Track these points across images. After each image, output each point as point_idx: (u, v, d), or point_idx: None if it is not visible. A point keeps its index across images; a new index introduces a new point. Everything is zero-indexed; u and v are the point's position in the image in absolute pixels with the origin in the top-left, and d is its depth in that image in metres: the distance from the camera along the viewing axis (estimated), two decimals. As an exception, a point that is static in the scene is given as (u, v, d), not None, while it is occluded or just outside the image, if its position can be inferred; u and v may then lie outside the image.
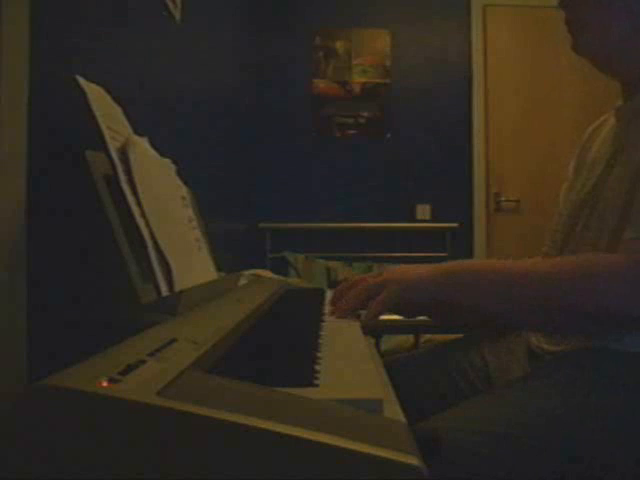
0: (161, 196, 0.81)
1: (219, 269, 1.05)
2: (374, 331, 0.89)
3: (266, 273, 1.74)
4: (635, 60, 0.84)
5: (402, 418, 0.44)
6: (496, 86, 3.57)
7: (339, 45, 3.55)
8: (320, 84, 3.54)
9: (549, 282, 0.74)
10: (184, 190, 0.97)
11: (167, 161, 0.93)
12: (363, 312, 0.81)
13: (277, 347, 0.60)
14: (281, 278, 1.70)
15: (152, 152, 0.88)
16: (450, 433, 0.62)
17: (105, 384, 0.34)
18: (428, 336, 1.69)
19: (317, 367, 0.50)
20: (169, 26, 1.41)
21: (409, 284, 0.79)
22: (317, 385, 0.44)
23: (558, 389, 0.71)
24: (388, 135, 3.54)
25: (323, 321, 0.77)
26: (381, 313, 0.79)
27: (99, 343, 0.45)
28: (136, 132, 0.84)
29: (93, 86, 0.75)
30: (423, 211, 3.51)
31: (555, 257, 0.94)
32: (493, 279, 0.77)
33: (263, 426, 0.32)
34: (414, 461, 0.32)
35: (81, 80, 0.73)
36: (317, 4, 3.58)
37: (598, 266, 0.73)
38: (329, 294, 1.06)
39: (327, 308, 0.88)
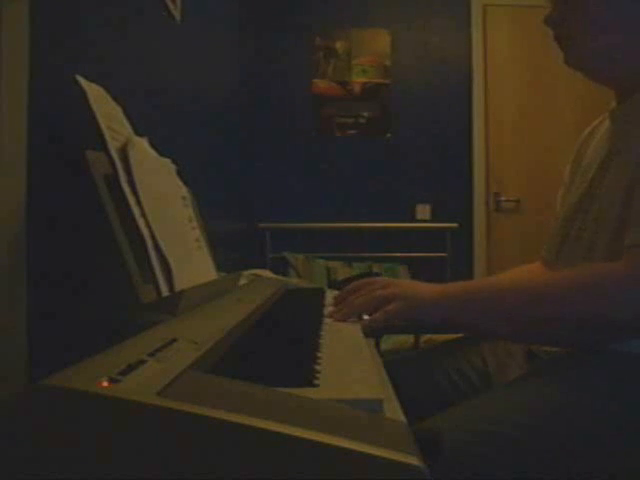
0: (161, 196, 0.81)
1: (219, 269, 1.05)
2: (374, 331, 0.89)
3: (266, 273, 1.74)
4: (626, 68, 0.84)
5: (402, 418, 0.44)
6: (496, 86, 3.56)
7: (339, 45, 3.55)
8: (320, 84, 3.54)
9: (550, 297, 0.75)
10: (184, 190, 0.97)
11: (167, 161, 0.93)
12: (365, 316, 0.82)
13: (277, 347, 0.60)
14: (281, 278, 1.70)
15: (152, 152, 0.88)
16: (450, 433, 0.62)
17: (105, 384, 0.34)
18: (428, 336, 1.69)
19: (317, 367, 0.50)
20: (169, 26, 1.41)
21: (416, 304, 0.79)
22: (317, 385, 0.44)
23: (558, 390, 0.71)
24: (388, 135, 3.54)
25: (323, 321, 0.77)
26: (383, 323, 0.79)
27: (99, 343, 0.45)
28: (136, 132, 0.84)
29: (93, 86, 0.75)
30: (423, 211, 3.51)
31: (551, 264, 0.95)
32: (495, 299, 0.78)
33: (263, 426, 0.32)
34: (414, 461, 0.32)
35: (81, 80, 0.73)
36: (317, 4, 3.58)
37: (598, 276, 0.73)
38: (329, 294, 1.06)
39: (328, 309, 0.88)
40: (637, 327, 0.72)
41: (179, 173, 0.97)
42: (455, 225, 3.45)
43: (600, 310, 0.71)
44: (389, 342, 1.89)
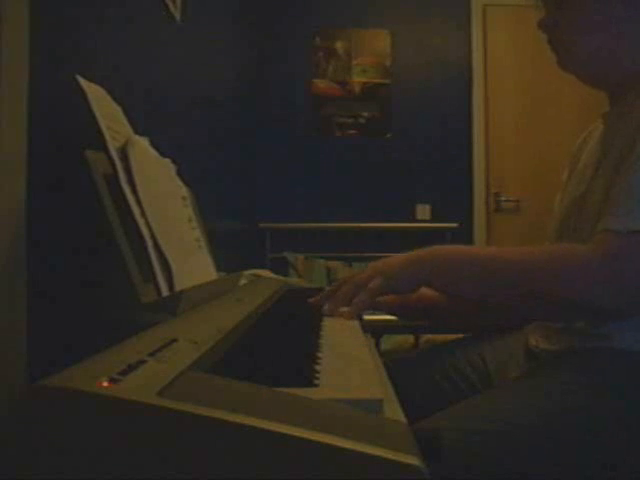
0: (161, 196, 0.81)
1: (219, 269, 1.05)
2: (374, 331, 0.89)
3: (266, 273, 1.74)
4: (617, 71, 0.85)
5: (402, 418, 0.44)
6: (496, 86, 3.56)
7: (339, 45, 3.55)
8: (320, 84, 3.54)
9: (523, 269, 0.76)
10: (184, 190, 0.97)
11: (167, 161, 0.93)
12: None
13: (277, 347, 0.60)
14: (281, 278, 1.70)
15: (152, 152, 0.88)
16: (450, 433, 0.63)
17: (105, 384, 0.34)
18: (428, 336, 1.69)
19: (317, 367, 0.50)
20: (169, 26, 1.41)
21: (392, 274, 0.82)
22: (317, 385, 0.44)
23: (557, 389, 0.71)
24: (388, 135, 3.53)
25: (323, 321, 0.77)
26: (369, 303, 0.81)
27: (99, 343, 0.45)
28: (136, 132, 0.84)
29: (93, 86, 0.75)
30: (423, 211, 3.51)
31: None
32: (471, 264, 0.80)
33: (263, 426, 0.32)
34: (414, 461, 0.32)
35: (81, 80, 0.73)
36: (317, 4, 3.58)
37: (568, 256, 0.74)
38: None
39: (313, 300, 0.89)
40: (601, 311, 0.72)
41: (179, 173, 0.97)
42: (455, 225, 3.45)
43: (565, 290, 0.72)
44: (389, 342, 1.88)
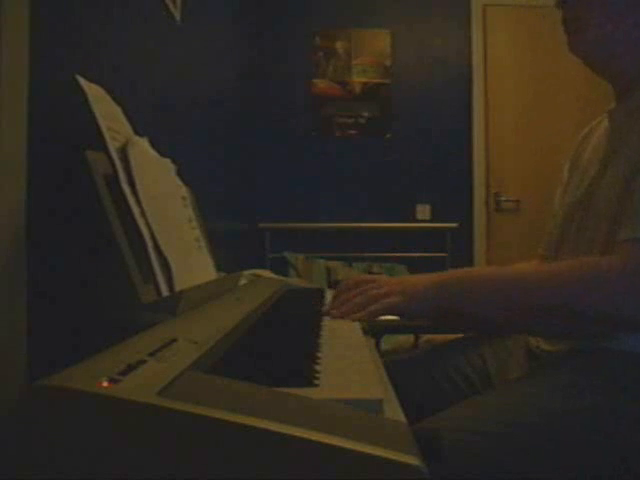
0: (161, 196, 0.81)
1: (219, 269, 1.05)
2: (374, 331, 0.89)
3: (266, 273, 1.74)
4: (629, 62, 0.84)
5: (402, 418, 0.44)
6: (496, 86, 3.56)
7: (339, 45, 3.55)
8: (320, 84, 3.54)
9: (543, 287, 0.75)
10: (184, 190, 0.97)
11: (167, 161, 0.93)
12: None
13: (277, 347, 0.60)
14: (281, 278, 1.70)
15: (152, 152, 0.88)
16: (450, 433, 0.63)
17: (105, 384, 0.34)
18: (428, 336, 1.69)
19: (317, 367, 0.50)
20: (169, 26, 1.41)
21: (412, 296, 0.80)
22: (317, 385, 0.44)
23: (558, 389, 0.71)
24: (388, 135, 3.53)
25: (323, 321, 0.77)
26: (380, 314, 0.80)
27: (99, 343, 0.45)
28: (136, 132, 0.84)
29: (93, 86, 0.75)
30: (423, 211, 3.51)
31: (550, 262, 0.95)
32: (490, 287, 0.79)
33: (263, 426, 0.32)
34: (414, 461, 0.32)
35: (81, 80, 0.73)
36: (317, 4, 3.58)
37: (590, 269, 0.73)
38: (329, 294, 1.06)
39: (325, 308, 0.88)
40: (627, 321, 0.72)
41: (179, 173, 0.97)
42: (455, 225, 3.45)
43: (590, 303, 0.71)
44: (389, 342, 1.88)
